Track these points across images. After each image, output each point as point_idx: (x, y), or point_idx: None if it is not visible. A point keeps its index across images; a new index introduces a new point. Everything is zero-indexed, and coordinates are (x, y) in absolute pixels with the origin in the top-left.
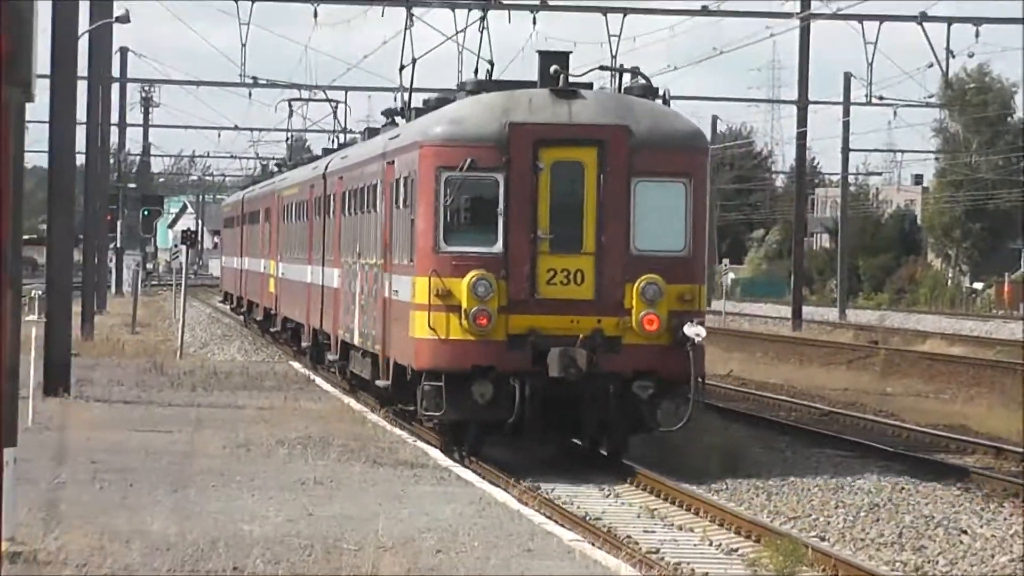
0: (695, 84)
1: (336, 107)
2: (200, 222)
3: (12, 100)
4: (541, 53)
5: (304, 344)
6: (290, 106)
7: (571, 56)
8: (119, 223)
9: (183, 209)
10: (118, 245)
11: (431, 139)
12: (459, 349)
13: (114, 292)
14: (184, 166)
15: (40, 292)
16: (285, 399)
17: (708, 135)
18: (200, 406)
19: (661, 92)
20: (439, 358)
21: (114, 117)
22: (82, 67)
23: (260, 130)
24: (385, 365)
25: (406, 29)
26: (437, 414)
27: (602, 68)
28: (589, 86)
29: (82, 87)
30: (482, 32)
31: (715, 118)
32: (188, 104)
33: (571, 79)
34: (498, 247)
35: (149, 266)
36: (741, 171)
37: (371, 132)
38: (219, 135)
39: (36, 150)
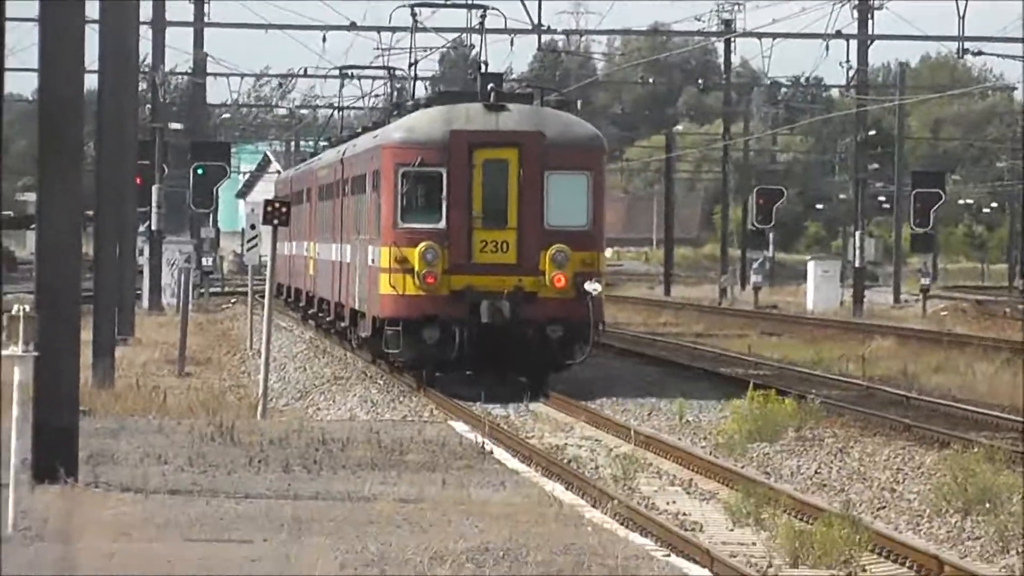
0: None
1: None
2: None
3: None
4: (482, 75)
5: (328, 319)
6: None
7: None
8: (155, 189)
9: (264, 163)
10: (154, 227)
11: (391, 142)
12: (413, 302)
13: (148, 306)
14: (266, 94)
15: (26, 307)
16: (444, 484)
17: None
18: (299, 498)
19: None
20: (398, 309)
21: (146, 13)
22: None
23: (392, 30)
24: (369, 320)
25: (413, 32)
26: (396, 352)
27: (529, 86)
28: (529, 98)
29: None
30: (482, 33)
31: None
32: None
33: (504, 93)
34: (442, 224)
35: (207, 262)
36: None
37: (375, 125)
38: (324, 39)
39: (16, 68)
